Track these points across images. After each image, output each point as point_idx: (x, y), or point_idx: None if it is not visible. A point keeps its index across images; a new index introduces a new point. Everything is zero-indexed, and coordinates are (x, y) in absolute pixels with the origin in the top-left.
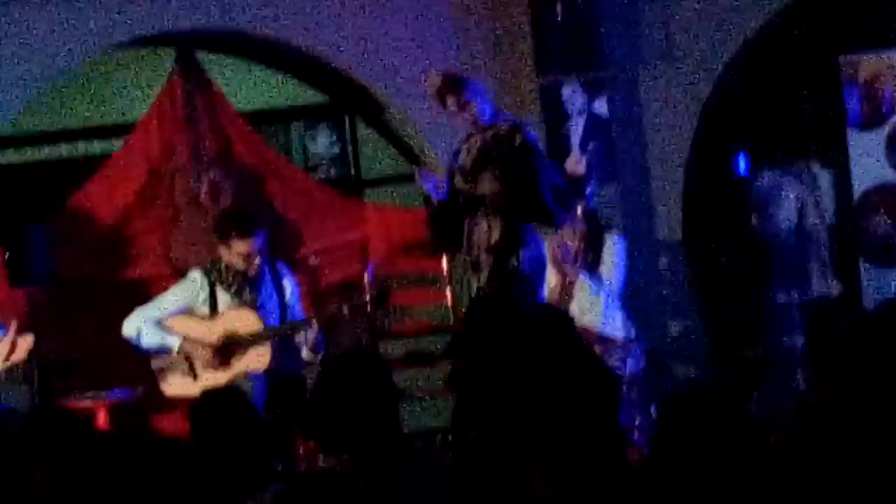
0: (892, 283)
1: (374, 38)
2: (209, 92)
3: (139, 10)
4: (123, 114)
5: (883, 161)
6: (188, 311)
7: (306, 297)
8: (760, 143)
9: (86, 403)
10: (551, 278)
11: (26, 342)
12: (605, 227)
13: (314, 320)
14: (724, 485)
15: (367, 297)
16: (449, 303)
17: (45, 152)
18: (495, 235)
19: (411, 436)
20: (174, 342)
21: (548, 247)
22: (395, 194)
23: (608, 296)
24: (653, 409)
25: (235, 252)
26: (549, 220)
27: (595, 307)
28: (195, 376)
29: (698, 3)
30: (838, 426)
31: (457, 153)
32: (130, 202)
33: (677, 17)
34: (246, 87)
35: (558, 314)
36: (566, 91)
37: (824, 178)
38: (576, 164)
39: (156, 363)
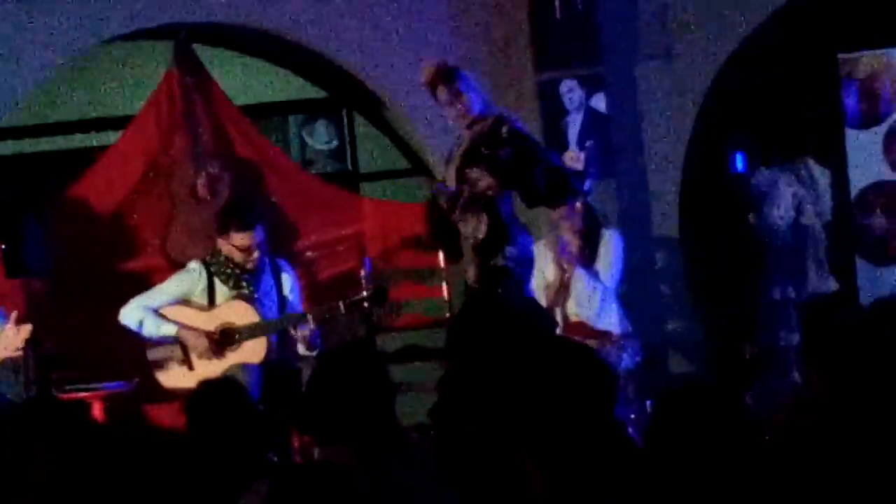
0: (889, 281)
1: (372, 33)
2: (207, 85)
3: (137, 2)
4: (121, 106)
5: (880, 159)
6: (186, 302)
7: (303, 291)
8: (758, 141)
9: (81, 395)
10: (549, 273)
11: (24, 331)
12: (603, 222)
13: (311, 315)
14: (718, 480)
15: (365, 294)
16: (445, 297)
17: (43, 144)
18: (481, 232)
19: (407, 429)
20: (170, 331)
21: (546, 243)
22: (392, 189)
23: (605, 291)
24: (648, 405)
25: (235, 245)
26: (550, 202)
27: (591, 302)
28: (191, 367)
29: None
30: (834, 423)
31: (451, 152)
32: (127, 195)
33: (675, 14)
34: (244, 81)
35: (542, 310)
36: (564, 87)
37: (822, 176)
38: (573, 159)
39: (152, 354)
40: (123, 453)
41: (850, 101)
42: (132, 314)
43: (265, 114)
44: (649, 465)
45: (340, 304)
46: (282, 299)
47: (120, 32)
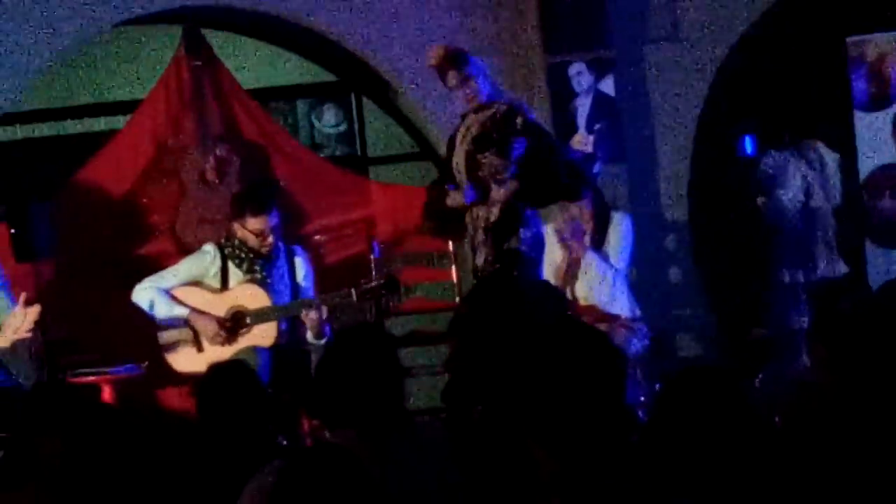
0: None
1: (381, 17)
2: (216, 69)
3: None
4: (129, 91)
5: (889, 142)
6: (198, 284)
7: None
8: (767, 124)
9: (90, 379)
10: (556, 255)
11: (32, 314)
12: (612, 206)
13: (322, 303)
14: (723, 462)
15: (375, 284)
16: (454, 281)
17: (51, 129)
18: (494, 215)
19: (415, 413)
20: (182, 312)
21: (555, 224)
22: (400, 172)
23: (614, 274)
24: (657, 388)
25: (250, 229)
26: (568, 195)
27: (602, 285)
28: (200, 348)
29: None
30: (842, 406)
31: (453, 137)
32: (136, 179)
33: None
34: (253, 64)
35: (558, 293)
36: (573, 70)
37: (831, 159)
38: (583, 143)
39: (163, 337)
40: (133, 436)
41: (859, 84)
42: (144, 294)
43: (274, 97)
44: (654, 448)
45: (353, 291)
46: (295, 285)
47: (128, 17)
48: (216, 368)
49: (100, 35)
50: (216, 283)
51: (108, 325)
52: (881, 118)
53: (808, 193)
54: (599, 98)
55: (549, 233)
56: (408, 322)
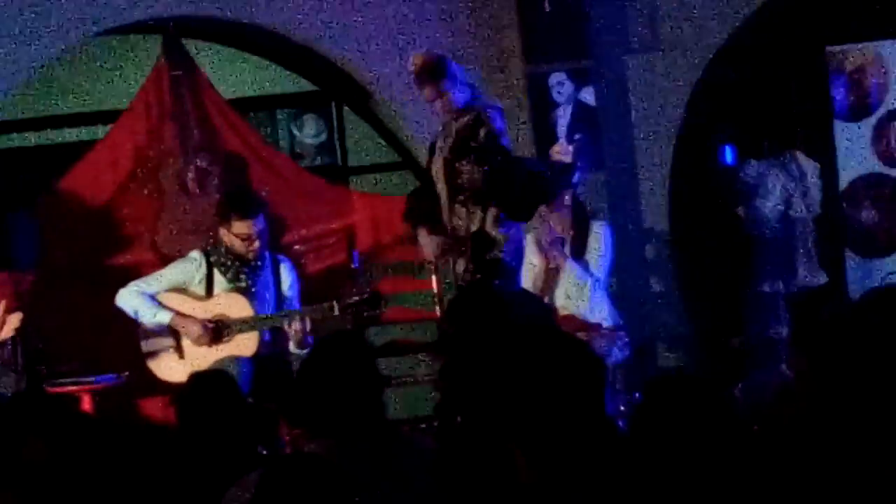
0: (877, 273)
1: (361, 27)
2: (196, 79)
3: None
4: (110, 100)
5: (869, 152)
6: (183, 290)
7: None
8: (747, 134)
9: (70, 389)
10: (535, 262)
11: (12, 322)
12: (592, 215)
13: (305, 315)
14: (702, 470)
15: (358, 299)
16: (435, 291)
17: (31, 139)
18: (475, 224)
19: (396, 422)
20: (165, 318)
21: (533, 234)
22: (381, 182)
23: (594, 283)
24: (638, 397)
25: (235, 233)
26: (517, 214)
27: (581, 294)
28: (182, 355)
29: None
30: (822, 415)
31: (432, 146)
32: (117, 188)
33: (664, 6)
34: (233, 74)
35: (539, 301)
36: (553, 80)
37: (811, 169)
38: (562, 152)
39: (144, 345)
40: (113, 446)
41: (839, 94)
42: (129, 299)
43: (254, 107)
44: (634, 456)
45: (335, 304)
46: (280, 295)
47: (108, 27)
48: (196, 378)
49: (80, 45)
50: (201, 291)
51: (88, 334)
52: (861, 128)
53: (787, 203)
54: (579, 108)
55: (528, 241)
56: (387, 331)
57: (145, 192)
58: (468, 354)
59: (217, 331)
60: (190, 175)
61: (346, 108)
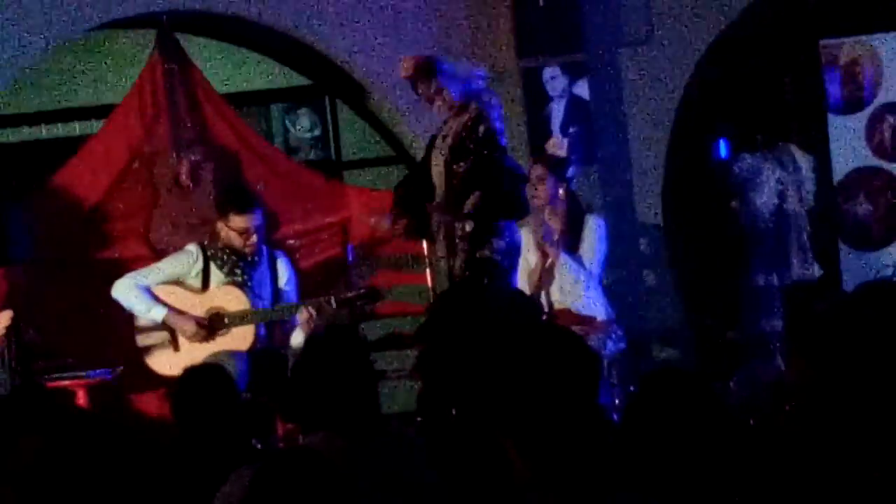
0: (872, 266)
1: (354, 21)
2: (189, 74)
3: None
4: (103, 95)
5: (863, 145)
6: (179, 283)
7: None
8: (740, 127)
9: (65, 383)
10: (532, 259)
11: (3, 319)
12: (586, 208)
13: (304, 308)
14: (695, 464)
15: (356, 293)
16: (429, 285)
17: (25, 133)
18: (469, 224)
19: (390, 416)
20: (159, 311)
21: (529, 229)
22: (375, 176)
23: (588, 277)
24: (632, 390)
25: (233, 227)
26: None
27: (575, 288)
28: (177, 348)
29: None
30: (817, 408)
31: (432, 141)
32: (110, 183)
33: (658, 0)
34: (227, 69)
35: (529, 301)
36: (547, 75)
37: (804, 162)
38: (556, 146)
39: (140, 339)
40: (108, 441)
41: (833, 88)
42: (124, 290)
43: (248, 102)
44: (627, 450)
45: (332, 298)
46: (276, 290)
47: (102, 21)
48: (191, 372)
49: (73, 39)
50: (197, 284)
51: (82, 328)
52: (855, 121)
53: (781, 196)
54: (573, 102)
55: (524, 237)
56: (382, 325)
57: (139, 186)
58: (450, 348)
59: (212, 324)
60: (183, 169)
61: (339, 102)
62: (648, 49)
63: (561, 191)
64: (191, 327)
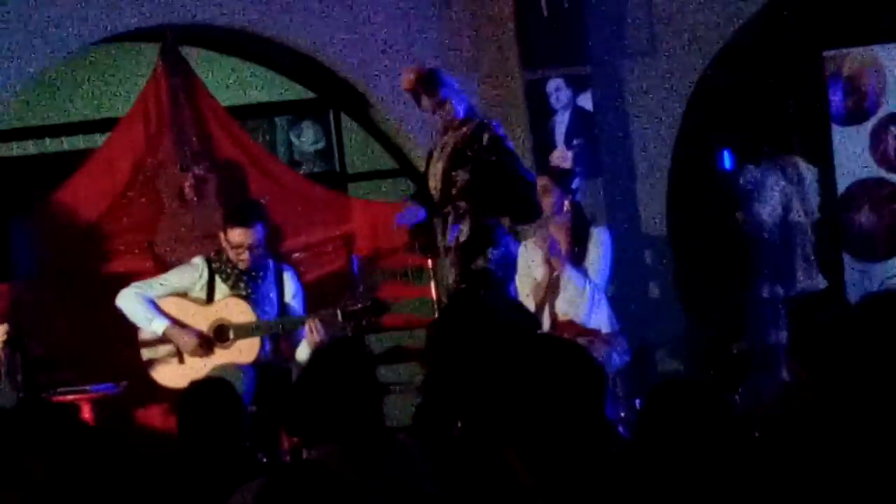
0: (876, 277)
1: (358, 34)
2: (194, 87)
3: (123, 5)
4: (107, 109)
5: (866, 156)
6: (184, 295)
7: None
8: (745, 138)
9: (70, 398)
10: (538, 272)
11: (1, 333)
12: (591, 220)
13: (309, 322)
14: (705, 476)
15: (362, 306)
16: (434, 297)
17: (29, 147)
18: (464, 234)
19: (395, 429)
20: (160, 327)
21: (534, 241)
22: (379, 189)
23: (594, 289)
24: (638, 403)
25: (229, 240)
26: (522, 217)
27: (581, 300)
28: (182, 360)
29: None
30: (822, 420)
31: (430, 154)
32: (115, 197)
33: (661, 12)
34: (231, 82)
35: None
36: (551, 86)
37: (809, 173)
38: (561, 158)
39: (146, 351)
40: (113, 455)
41: (836, 98)
42: (127, 299)
43: (252, 115)
44: (637, 462)
45: (338, 311)
46: (283, 304)
47: (106, 35)
48: (196, 386)
49: (77, 54)
50: (202, 297)
51: (87, 342)
52: (858, 132)
53: (786, 207)
54: (578, 113)
55: (529, 249)
56: (386, 338)
57: (143, 199)
58: (453, 362)
59: (217, 336)
60: (188, 183)
61: (343, 114)
62: (652, 60)
63: (566, 203)
64: (191, 341)
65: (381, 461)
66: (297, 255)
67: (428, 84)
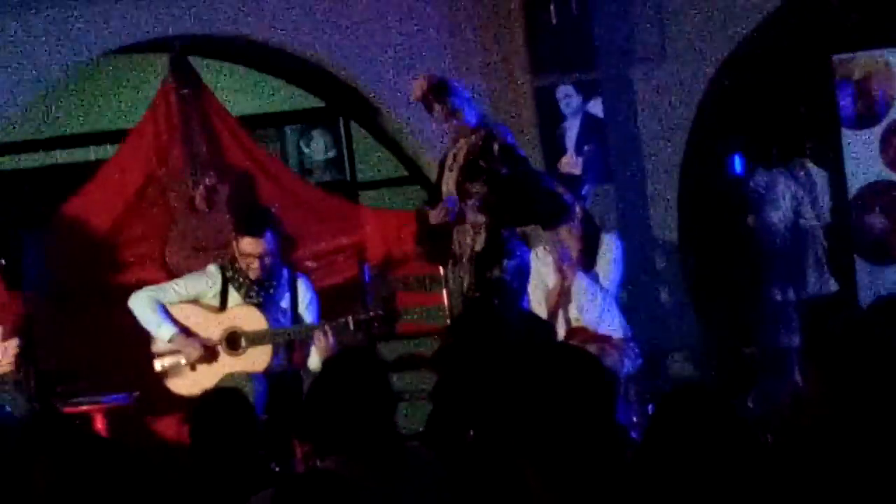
0: (888, 280)
1: (368, 43)
2: (203, 97)
3: (132, 16)
4: (118, 120)
5: (877, 159)
6: (197, 301)
7: None
8: (755, 143)
9: (83, 409)
10: (550, 279)
11: (11, 347)
12: (602, 227)
13: (321, 330)
14: (717, 482)
15: (374, 314)
16: (445, 305)
17: (41, 159)
18: (479, 244)
19: (408, 437)
20: (166, 334)
21: (546, 248)
22: (390, 197)
23: (605, 295)
24: (650, 409)
25: (240, 250)
26: (544, 222)
27: (592, 306)
28: (194, 367)
29: (692, 3)
30: (835, 424)
31: (443, 162)
32: (126, 208)
33: (671, 17)
34: (241, 91)
35: (540, 320)
36: (561, 93)
37: (819, 177)
38: (571, 165)
39: (158, 360)
40: (126, 465)
41: (846, 102)
42: (140, 303)
43: (262, 124)
44: (649, 468)
45: (350, 320)
46: (296, 313)
47: (115, 46)
48: (208, 395)
49: (87, 65)
50: (216, 303)
51: (99, 353)
52: (868, 135)
53: (797, 211)
54: (587, 120)
55: (541, 256)
56: (398, 346)
57: (154, 210)
58: (466, 370)
59: (229, 344)
60: (198, 193)
61: (353, 123)
62: (662, 66)
63: (577, 209)
64: (195, 351)
65: (393, 470)
66: (308, 263)
67: (439, 93)
